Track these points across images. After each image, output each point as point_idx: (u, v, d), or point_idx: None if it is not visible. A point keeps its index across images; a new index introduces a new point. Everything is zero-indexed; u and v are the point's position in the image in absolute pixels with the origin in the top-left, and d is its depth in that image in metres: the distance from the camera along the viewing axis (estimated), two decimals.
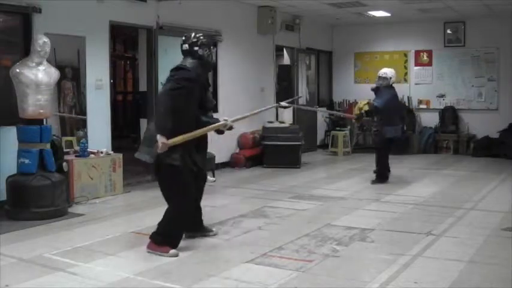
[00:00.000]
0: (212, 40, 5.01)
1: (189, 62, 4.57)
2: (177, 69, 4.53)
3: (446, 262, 4.31)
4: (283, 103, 7.22)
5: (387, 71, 8.23)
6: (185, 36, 4.72)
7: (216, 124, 4.79)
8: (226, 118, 4.87)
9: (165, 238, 4.47)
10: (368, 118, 8.62)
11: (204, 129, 4.65)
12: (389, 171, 8.31)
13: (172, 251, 4.42)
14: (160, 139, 4.27)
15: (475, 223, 5.64)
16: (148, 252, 4.48)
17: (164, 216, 4.56)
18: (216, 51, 9.67)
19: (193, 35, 4.68)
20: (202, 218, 5.04)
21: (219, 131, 4.91)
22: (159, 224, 4.57)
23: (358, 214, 6.11)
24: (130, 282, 3.83)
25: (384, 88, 8.09)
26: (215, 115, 8.27)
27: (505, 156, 10.73)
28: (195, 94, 4.53)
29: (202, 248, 4.71)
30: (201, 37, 4.68)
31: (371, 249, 4.72)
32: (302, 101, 12.20)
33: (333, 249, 4.68)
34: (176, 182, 4.48)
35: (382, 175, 8.18)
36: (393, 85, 8.24)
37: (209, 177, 8.09)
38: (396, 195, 7.19)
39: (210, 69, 4.94)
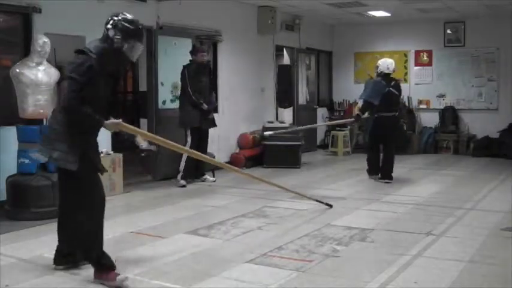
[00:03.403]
0: (141, 30, 3.93)
1: (95, 47, 3.83)
2: (77, 52, 3.87)
3: (446, 262, 4.31)
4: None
5: (379, 62, 8.37)
6: (114, 14, 3.93)
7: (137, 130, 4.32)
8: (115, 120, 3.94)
9: (98, 264, 3.85)
10: (366, 116, 8.62)
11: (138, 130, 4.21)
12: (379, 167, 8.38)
13: (120, 277, 3.76)
14: (111, 124, 3.80)
15: (475, 223, 5.64)
16: (98, 282, 3.86)
17: (78, 231, 3.91)
18: (216, 51, 9.71)
19: (119, 13, 3.89)
20: None
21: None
22: (78, 247, 3.98)
23: (358, 214, 6.11)
24: (130, 282, 3.82)
25: (369, 80, 8.45)
26: (216, 115, 8.35)
27: (505, 156, 10.73)
28: (97, 82, 3.83)
29: (202, 248, 4.71)
30: (124, 21, 3.82)
31: (371, 249, 4.72)
32: (302, 101, 12.22)
33: (333, 249, 4.68)
34: (76, 186, 3.85)
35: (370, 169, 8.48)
36: (390, 76, 8.26)
37: (209, 177, 8.13)
38: (396, 195, 7.19)
39: (125, 65, 4.18)
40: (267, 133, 8.27)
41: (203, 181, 8.10)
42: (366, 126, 9.33)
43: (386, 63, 8.29)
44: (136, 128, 4.21)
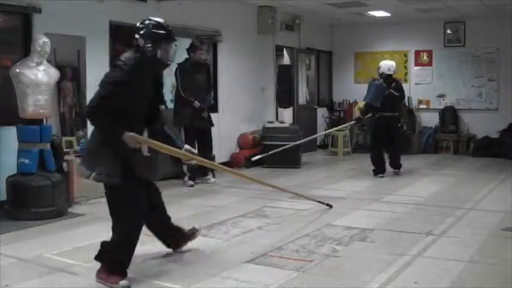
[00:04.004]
0: (171, 32, 3.83)
1: (129, 58, 3.71)
2: (114, 66, 3.82)
3: (446, 262, 4.31)
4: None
5: (381, 64, 8.72)
6: (139, 22, 3.85)
7: (177, 150, 4.08)
8: (191, 149, 4.19)
9: (114, 265, 3.81)
10: (367, 117, 8.88)
11: (165, 146, 3.94)
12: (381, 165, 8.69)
13: (122, 282, 3.73)
14: (130, 138, 3.62)
15: (475, 223, 5.64)
16: (98, 281, 3.83)
17: (114, 236, 3.88)
18: (216, 51, 9.71)
19: (146, 22, 3.78)
20: (178, 226, 4.55)
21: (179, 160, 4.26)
22: (108, 245, 3.88)
23: (358, 214, 6.11)
24: (130, 282, 3.82)
25: (372, 82, 8.63)
26: (216, 115, 8.27)
27: (505, 156, 10.72)
28: (136, 92, 3.76)
29: (202, 248, 4.70)
30: (155, 28, 3.75)
31: (371, 249, 4.72)
32: (302, 101, 12.21)
33: (333, 249, 4.68)
34: (121, 200, 3.82)
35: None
36: (391, 77, 8.60)
37: (211, 178, 8.11)
38: (396, 195, 7.19)
39: (162, 69, 3.98)
40: (254, 158, 8.36)
41: (205, 181, 8.08)
42: (368, 127, 9.42)
43: (387, 65, 8.63)
44: (156, 142, 3.85)
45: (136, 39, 3.77)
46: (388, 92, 8.46)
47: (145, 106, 3.92)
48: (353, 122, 9.53)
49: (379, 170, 8.61)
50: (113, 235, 3.88)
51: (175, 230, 4.51)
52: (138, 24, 3.83)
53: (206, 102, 8.03)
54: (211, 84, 8.36)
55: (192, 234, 4.61)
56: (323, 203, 6.16)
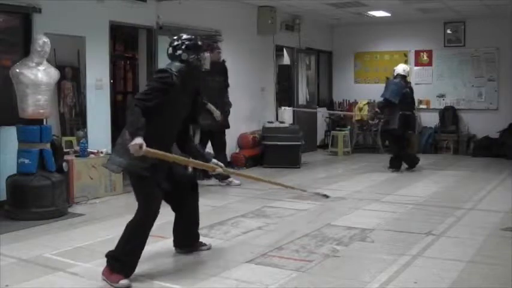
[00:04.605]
0: (205, 43, 4.31)
1: (175, 66, 4.07)
2: (159, 71, 4.14)
3: (446, 262, 4.31)
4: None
5: (395, 68, 9.31)
6: (172, 39, 4.27)
7: (204, 164, 4.32)
8: (219, 163, 4.41)
9: (119, 264, 3.84)
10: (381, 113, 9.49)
11: (192, 161, 4.19)
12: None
13: (123, 282, 3.76)
14: (137, 140, 3.65)
15: (475, 223, 5.64)
16: (102, 278, 3.87)
17: (124, 231, 3.97)
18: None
19: (177, 37, 4.23)
20: (198, 232, 4.65)
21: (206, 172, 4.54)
22: (118, 242, 3.95)
23: (358, 214, 6.11)
24: (130, 282, 3.82)
25: (390, 80, 9.16)
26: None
27: (505, 156, 10.72)
28: (177, 101, 4.00)
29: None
30: (187, 41, 4.16)
31: (371, 249, 4.72)
32: (302, 101, 12.21)
33: (333, 249, 4.68)
34: (143, 191, 3.99)
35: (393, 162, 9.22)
36: (405, 78, 9.20)
37: (234, 180, 7.86)
38: (396, 195, 7.19)
39: (199, 75, 4.34)
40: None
41: (228, 184, 7.87)
42: (383, 127, 9.79)
43: (402, 67, 9.27)
44: (163, 153, 3.88)
45: (174, 51, 4.16)
46: (405, 91, 8.99)
47: (182, 117, 4.17)
48: (370, 114, 10.24)
49: (395, 166, 9.15)
50: (124, 231, 3.96)
51: (191, 237, 4.59)
52: (172, 41, 4.23)
53: (226, 106, 7.92)
54: (228, 85, 8.08)
55: (201, 245, 4.65)
56: (319, 194, 6.05)
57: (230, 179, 7.88)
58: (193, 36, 4.27)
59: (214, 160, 4.43)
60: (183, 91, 4.03)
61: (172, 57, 4.15)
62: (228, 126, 8.06)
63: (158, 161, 3.89)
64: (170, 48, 4.18)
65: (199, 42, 4.22)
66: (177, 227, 4.53)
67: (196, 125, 4.39)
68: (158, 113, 3.88)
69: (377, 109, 9.35)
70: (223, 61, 8.05)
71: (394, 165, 9.20)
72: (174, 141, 4.21)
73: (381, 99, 9.10)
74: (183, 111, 4.15)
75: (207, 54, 4.27)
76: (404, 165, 9.31)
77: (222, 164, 4.44)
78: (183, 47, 4.13)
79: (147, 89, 3.94)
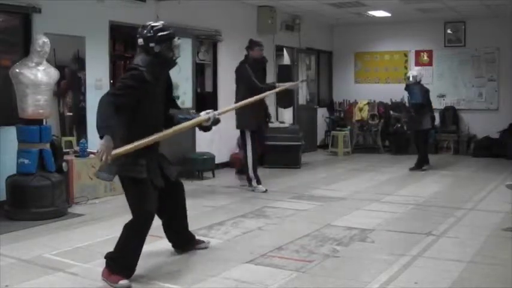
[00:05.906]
0: (172, 31, 4.08)
1: (145, 60, 3.92)
2: (130, 69, 3.95)
3: (447, 262, 4.31)
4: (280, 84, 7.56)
5: (413, 72, 9.84)
6: (140, 28, 4.06)
7: (195, 120, 4.25)
8: (209, 111, 4.32)
9: (118, 265, 3.83)
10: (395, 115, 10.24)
11: (175, 128, 4.10)
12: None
13: (123, 282, 3.75)
14: (105, 142, 3.55)
15: (475, 223, 5.64)
16: (102, 279, 3.86)
17: (122, 232, 3.95)
18: (216, 51, 9.70)
19: (148, 27, 4.01)
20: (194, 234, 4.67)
21: (205, 128, 4.36)
22: (117, 244, 3.93)
23: (358, 214, 6.10)
24: (130, 282, 3.81)
25: (413, 86, 9.45)
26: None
27: (505, 156, 10.71)
28: (153, 93, 3.97)
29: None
30: (159, 31, 3.98)
31: (371, 250, 4.72)
32: (302, 101, 12.20)
33: (333, 249, 4.67)
34: (138, 193, 3.96)
35: (421, 162, 9.47)
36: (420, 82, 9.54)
37: (260, 187, 7.41)
38: (396, 195, 7.19)
39: (171, 66, 4.17)
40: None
41: (254, 189, 7.41)
42: (412, 127, 10.03)
43: (421, 72, 10.11)
44: (132, 145, 3.80)
45: (146, 44, 3.97)
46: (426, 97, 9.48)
47: (160, 108, 4.10)
48: (405, 118, 10.92)
49: (425, 162, 9.50)
50: (122, 232, 3.94)
51: (186, 236, 4.58)
52: (142, 31, 4.03)
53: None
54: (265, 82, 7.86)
55: (199, 242, 4.66)
56: (300, 81, 5.77)
57: (255, 185, 7.42)
58: (164, 25, 4.09)
59: (202, 112, 4.31)
60: (157, 84, 4.00)
61: (143, 49, 3.99)
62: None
63: (148, 160, 3.93)
64: (141, 40, 4.00)
65: (170, 30, 4.06)
66: (168, 230, 4.48)
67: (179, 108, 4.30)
68: (139, 109, 3.86)
69: (412, 113, 9.64)
70: (264, 58, 7.93)
71: (425, 162, 9.48)
72: (160, 128, 4.07)
73: (413, 101, 9.49)
74: (160, 101, 4.11)
75: (178, 42, 4.08)
76: (410, 165, 9.48)
77: (211, 110, 4.34)
78: (155, 38, 3.97)
79: (120, 85, 3.85)
